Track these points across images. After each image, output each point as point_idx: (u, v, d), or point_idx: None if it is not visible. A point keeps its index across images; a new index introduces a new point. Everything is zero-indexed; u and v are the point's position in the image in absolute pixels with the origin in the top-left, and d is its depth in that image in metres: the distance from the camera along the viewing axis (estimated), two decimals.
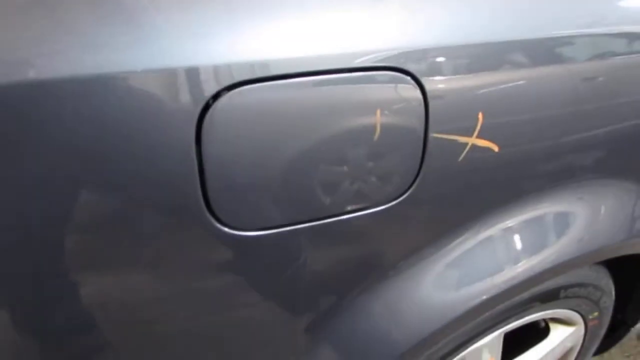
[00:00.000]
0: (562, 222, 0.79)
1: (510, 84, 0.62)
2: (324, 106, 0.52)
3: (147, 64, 0.45)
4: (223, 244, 0.52)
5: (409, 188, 0.60)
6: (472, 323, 0.79)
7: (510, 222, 0.72)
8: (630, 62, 0.72)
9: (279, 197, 0.53)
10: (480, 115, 0.61)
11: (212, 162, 0.48)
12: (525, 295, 0.84)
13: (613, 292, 1.05)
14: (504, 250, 0.74)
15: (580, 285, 0.93)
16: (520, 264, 0.75)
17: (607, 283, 1.00)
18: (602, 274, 0.98)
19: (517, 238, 0.75)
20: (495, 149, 0.63)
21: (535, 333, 1.06)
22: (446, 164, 0.61)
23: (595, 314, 1.04)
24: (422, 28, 0.57)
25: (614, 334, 1.22)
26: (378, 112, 0.55)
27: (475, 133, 0.61)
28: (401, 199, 0.60)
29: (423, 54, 0.56)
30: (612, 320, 1.17)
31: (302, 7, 0.52)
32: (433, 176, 0.61)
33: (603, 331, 1.14)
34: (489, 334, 0.87)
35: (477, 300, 0.71)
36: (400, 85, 0.55)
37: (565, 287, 0.90)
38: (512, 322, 0.89)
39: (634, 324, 1.18)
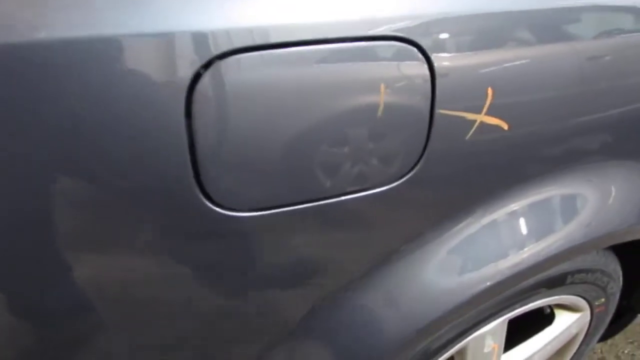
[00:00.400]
0: (571, 205, 0.76)
1: (522, 59, 0.59)
2: (324, 78, 0.49)
3: (133, 28, 0.41)
4: (216, 225, 0.49)
5: (413, 168, 0.57)
6: (476, 310, 0.76)
7: (516, 206, 0.69)
8: None
9: (274, 176, 0.50)
10: (489, 91, 0.57)
11: (203, 137, 0.45)
12: (531, 281, 0.81)
13: (621, 278, 1.02)
14: (509, 235, 0.71)
15: (587, 271, 0.90)
16: (526, 249, 0.72)
17: (615, 269, 0.98)
18: (610, 260, 0.95)
19: (523, 222, 0.72)
20: (505, 127, 0.60)
21: (540, 319, 1.04)
22: (453, 142, 0.58)
23: (602, 300, 1.01)
24: None
25: (620, 320, 1.20)
26: (382, 86, 0.51)
27: (485, 110, 0.57)
28: (404, 179, 0.57)
29: (431, 23, 0.53)
30: (618, 306, 1.15)
31: None
32: (438, 155, 0.58)
33: (609, 317, 1.11)
34: (492, 320, 0.84)
35: (481, 287, 0.68)
36: (406, 58, 0.51)
37: (572, 273, 0.87)
38: (517, 308, 0.86)
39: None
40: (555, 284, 0.87)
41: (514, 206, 0.69)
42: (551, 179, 0.70)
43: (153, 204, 0.47)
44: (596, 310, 1.04)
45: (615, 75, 0.68)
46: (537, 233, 0.74)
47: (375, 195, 0.56)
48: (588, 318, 1.05)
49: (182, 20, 0.43)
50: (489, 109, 0.58)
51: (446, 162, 0.59)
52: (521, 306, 0.87)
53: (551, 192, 0.71)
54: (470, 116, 0.57)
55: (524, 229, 0.73)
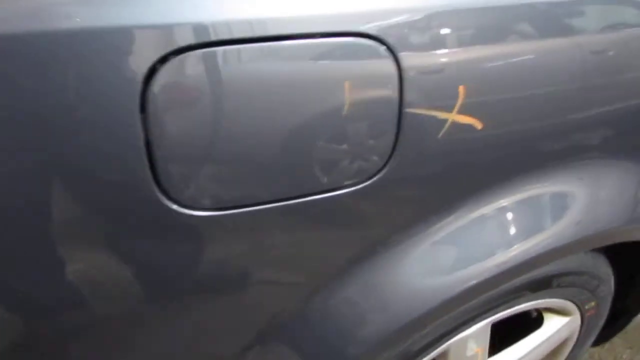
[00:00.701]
0: (558, 204, 0.74)
1: (496, 57, 0.57)
2: (285, 75, 0.48)
3: (90, 22, 0.41)
4: (173, 223, 0.49)
5: (382, 167, 0.56)
6: (457, 310, 0.75)
7: (499, 204, 0.68)
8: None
9: (235, 175, 0.49)
10: (461, 90, 0.56)
11: (158, 133, 0.44)
12: (515, 282, 0.80)
13: (612, 281, 1.00)
14: (492, 233, 0.69)
15: (575, 273, 0.88)
16: (509, 249, 0.70)
17: (605, 271, 0.96)
18: (599, 262, 0.93)
19: (507, 221, 0.70)
20: (479, 126, 0.59)
21: (529, 322, 1.02)
22: (424, 141, 0.57)
23: (592, 303, 0.99)
24: None
25: (616, 323, 1.18)
26: (347, 84, 0.50)
27: (456, 109, 0.56)
28: (375, 179, 0.56)
29: (398, 20, 0.52)
30: (613, 309, 1.13)
31: None
32: (410, 154, 0.57)
33: (601, 321, 1.09)
34: (475, 323, 0.83)
35: (460, 288, 0.67)
36: (372, 55, 0.50)
37: (559, 276, 0.86)
38: (500, 311, 0.85)
39: (636, 312, 1.13)
40: (540, 287, 0.85)
41: (497, 204, 0.68)
42: (534, 177, 0.69)
43: (111, 200, 0.46)
44: (587, 314, 1.02)
45: (596, 73, 0.66)
46: (523, 232, 0.72)
47: (345, 196, 0.55)
48: (578, 322, 1.03)
49: (139, 14, 0.43)
50: (460, 107, 0.57)
51: (420, 161, 0.58)
52: (505, 309, 0.85)
53: (535, 190, 0.70)
54: (441, 115, 0.56)
55: (507, 228, 0.72)
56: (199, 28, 0.44)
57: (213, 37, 0.45)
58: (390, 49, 0.51)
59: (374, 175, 0.55)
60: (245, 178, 0.50)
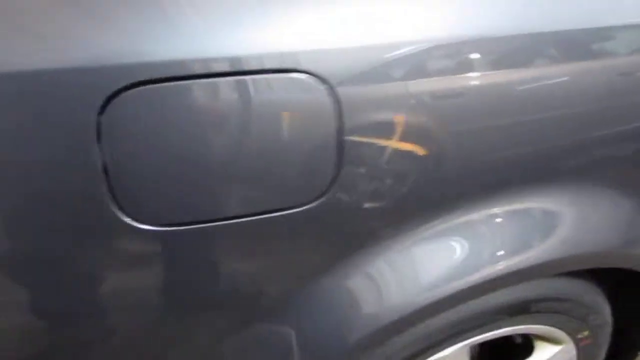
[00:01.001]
0: (513, 226, 0.76)
1: (431, 85, 0.62)
2: (226, 108, 0.55)
3: (46, 63, 0.49)
4: (131, 238, 0.55)
5: (325, 192, 0.60)
6: (422, 329, 0.77)
7: (446, 225, 0.70)
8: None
9: (184, 195, 0.56)
10: (399, 118, 0.60)
11: (114, 159, 0.52)
12: (485, 303, 0.81)
13: (606, 311, 0.98)
14: (446, 253, 0.72)
15: (555, 299, 0.88)
16: (464, 270, 0.72)
17: (594, 300, 0.94)
18: (586, 290, 0.92)
19: (464, 240, 0.72)
20: (421, 152, 0.63)
21: (522, 350, 1.02)
22: (366, 167, 0.61)
23: (585, 333, 0.98)
24: (333, 28, 0.58)
25: (622, 356, 1.14)
26: (285, 115, 0.56)
27: (396, 136, 0.61)
28: (319, 201, 0.61)
29: (333, 55, 0.57)
30: (619, 341, 1.10)
31: (200, 6, 0.54)
32: (354, 179, 0.61)
33: (601, 352, 1.06)
34: (450, 345, 0.84)
35: (412, 307, 0.70)
36: (308, 88, 0.56)
37: (536, 301, 0.86)
38: (477, 334, 0.86)
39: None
40: (517, 311, 0.86)
41: (444, 225, 0.70)
42: (477, 202, 0.71)
43: (71, 219, 0.54)
44: (581, 344, 1.00)
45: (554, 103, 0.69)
46: (479, 254, 0.74)
47: (290, 216, 0.60)
48: (573, 352, 1.01)
49: (92, 55, 0.50)
50: (401, 135, 0.61)
51: (362, 185, 0.62)
52: (482, 332, 0.86)
53: (484, 212, 0.72)
54: (381, 142, 0.60)
55: (464, 247, 0.74)
56: (145, 67, 0.51)
57: (161, 74, 0.52)
58: (327, 83, 0.56)
59: (319, 197, 0.60)
60: (193, 198, 0.56)
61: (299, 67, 0.56)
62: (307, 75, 0.56)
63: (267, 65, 0.55)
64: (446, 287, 0.72)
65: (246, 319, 0.65)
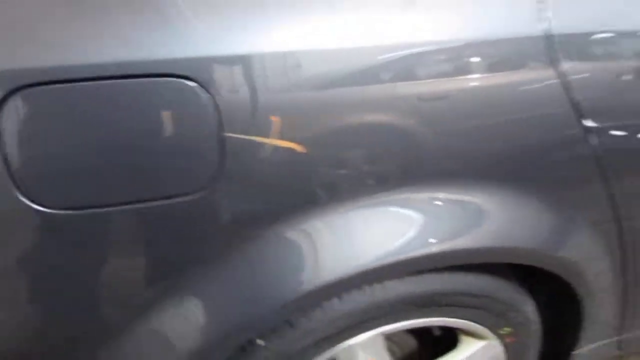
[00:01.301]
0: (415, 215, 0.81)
1: (305, 89, 0.69)
2: (109, 108, 0.62)
3: None
4: (31, 221, 0.64)
5: (209, 184, 0.67)
6: (330, 311, 0.82)
7: (322, 222, 0.76)
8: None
9: (85, 178, 0.64)
10: (274, 119, 0.67)
11: (10, 149, 0.60)
12: (394, 294, 0.86)
13: (529, 309, 1.01)
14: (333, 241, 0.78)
15: (466, 294, 0.92)
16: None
17: (513, 297, 0.98)
18: (502, 287, 0.96)
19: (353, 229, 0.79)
20: (300, 149, 0.69)
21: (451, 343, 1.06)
22: (250, 162, 0.68)
23: (507, 329, 1.01)
24: (213, 36, 0.65)
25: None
26: (164, 115, 0.64)
27: (274, 134, 0.67)
28: (207, 190, 0.68)
29: (212, 61, 0.65)
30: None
31: (82, 12, 0.62)
32: (239, 172, 0.68)
33: (532, 351, 1.09)
34: (360, 332, 0.89)
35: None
36: (188, 92, 0.64)
37: (446, 294, 0.90)
38: (389, 324, 0.90)
39: (573, 348, 1.11)
40: (425, 303, 0.90)
41: (324, 221, 0.76)
42: (358, 197, 0.76)
43: None
44: (506, 340, 1.03)
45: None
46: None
47: (179, 204, 0.68)
48: (499, 348, 1.04)
49: None
50: (280, 133, 0.68)
51: (248, 179, 0.69)
52: (393, 322, 0.91)
53: (366, 208, 0.78)
54: (260, 140, 0.67)
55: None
56: (33, 71, 0.60)
57: (50, 78, 0.60)
58: (204, 87, 0.64)
59: (207, 187, 0.67)
60: (92, 182, 0.64)
61: (180, 73, 0.63)
62: (186, 80, 0.64)
63: (150, 71, 0.63)
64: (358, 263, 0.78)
65: (145, 301, 0.73)
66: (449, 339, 1.06)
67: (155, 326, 0.73)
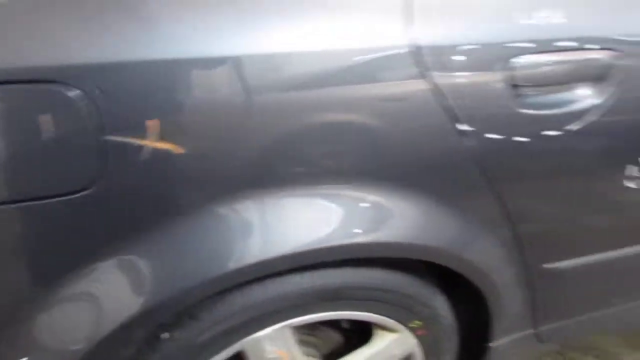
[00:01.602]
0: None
1: (187, 93, 0.73)
2: None
3: None
4: None
5: (95, 181, 0.72)
6: (229, 306, 0.86)
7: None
8: None
9: None
10: (150, 123, 0.71)
11: None
12: (296, 287, 0.90)
13: (438, 304, 1.05)
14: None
15: (372, 289, 0.96)
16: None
17: (419, 292, 1.02)
18: (408, 282, 1.00)
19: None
20: (178, 150, 0.73)
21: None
22: (132, 162, 0.72)
23: (418, 322, 1.05)
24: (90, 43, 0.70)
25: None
26: (45, 117, 0.68)
27: (151, 137, 0.71)
28: (86, 192, 0.72)
29: (91, 68, 0.69)
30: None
31: None
32: (122, 171, 0.73)
33: (448, 345, 1.13)
34: (267, 325, 0.93)
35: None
36: (62, 96, 0.68)
37: (346, 289, 0.94)
38: (295, 317, 0.94)
39: (487, 341, 1.15)
40: (329, 297, 0.94)
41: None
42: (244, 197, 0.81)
43: None
44: (418, 333, 1.07)
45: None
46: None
47: (60, 203, 0.71)
48: (413, 340, 1.08)
49: None
50: (158, 135, 0.72)
51: (131, 177, 0.73)
52: (300, 315, 0.95)
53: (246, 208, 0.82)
54: (138, 141, 0.71)
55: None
56: None
57: None
58: (84, 90, 0.68)
59: (89, 187, 0.72)
60: None
61: (59, 79, 0.68)
62: (65, 85, 0.68)
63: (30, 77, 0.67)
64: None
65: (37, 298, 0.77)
66: (368, 332, 1.10)
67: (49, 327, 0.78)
